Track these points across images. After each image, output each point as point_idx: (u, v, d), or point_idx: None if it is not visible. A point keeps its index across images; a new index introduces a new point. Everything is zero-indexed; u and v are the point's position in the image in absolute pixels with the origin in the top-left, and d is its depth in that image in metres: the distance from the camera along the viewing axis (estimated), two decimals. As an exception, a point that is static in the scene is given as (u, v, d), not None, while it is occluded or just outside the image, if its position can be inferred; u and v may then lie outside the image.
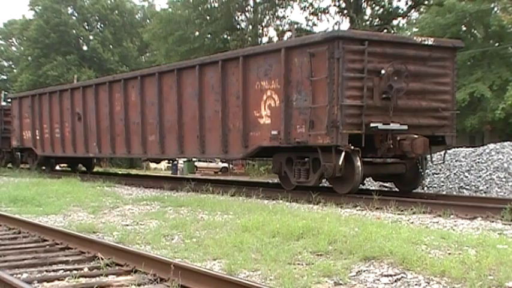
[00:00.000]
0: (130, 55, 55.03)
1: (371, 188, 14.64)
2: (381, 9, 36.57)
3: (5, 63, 65.11)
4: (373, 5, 36.80)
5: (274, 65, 13.10)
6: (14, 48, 64.36)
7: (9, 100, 28.86)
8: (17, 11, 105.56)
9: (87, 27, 55.60)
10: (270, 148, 13.58)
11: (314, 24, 38.60)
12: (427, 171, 14.42)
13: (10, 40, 64.98)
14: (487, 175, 14.82)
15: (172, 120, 16.38)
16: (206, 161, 38.58)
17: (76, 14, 55.11)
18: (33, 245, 7.49)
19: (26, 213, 10.67)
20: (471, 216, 9.54)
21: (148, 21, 53.49)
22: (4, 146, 28.32)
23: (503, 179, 14.41)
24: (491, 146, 16.64)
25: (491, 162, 15.28)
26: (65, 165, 27.84)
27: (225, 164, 39.10)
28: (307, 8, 37.97)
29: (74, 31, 53.45)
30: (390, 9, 36.22)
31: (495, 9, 25.28)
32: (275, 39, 37.88)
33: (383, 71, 11.96)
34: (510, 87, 23.14)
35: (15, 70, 59.65)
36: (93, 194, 13.89)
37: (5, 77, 63.73)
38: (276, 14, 39.14)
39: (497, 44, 26.02)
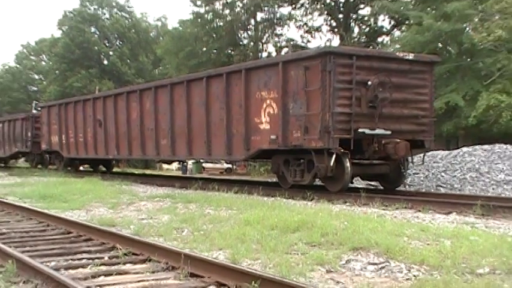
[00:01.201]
0: (145, 68, 54.98)
1: (359, 186, 14.61)
2: (367, 28, 36.59)
3: (36, 76, 65.42)
4: (361, 24, 36.88)
5: (273, 77, 13.09)
6: (43, 63, 64.54)
7: (39, 108, 28.94)
8: (47, 31, 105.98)
9: (107, 44, 55.58)
10: (269, 150, 13.56)
11: (308, 41, 38.63)
12: (408, 171, 14.40)
13: (40, 56, 65.24)
14: (460, 175, 14.81)
15: (182, 126, 16.37)
16: (212, 162, 38.51)
17: (98, 33, 55.09)
18: (60, 237, 7.51)
19: (53, 208, 10.68)
20: (447, 211, 9.52)
21: (161, 38, 53.47)
22: (35, 149, 28.34)
23: (475, 178, 14.40)
24: (465, 149, 16.62)
25: (464, 164, 15.27)
26: (88, 166, 27.83)
27: (229, 165, 39.04)
28: (302, 26, 38.05)
29: (96, 47, 53.44)
30: (375, 28, 36.22)
31: (467, 29, 25.26)
32: (274, 54, 37.90)
33: (369, 83, 11.94)
34: (481, 97, 23.14)
35: (44, 82, 59.67)
36: (112, 192, 13.87)
37: (35, 88, 63.93)
38: (275, 32, 39.13)
39: (469, 59, 26.01)
